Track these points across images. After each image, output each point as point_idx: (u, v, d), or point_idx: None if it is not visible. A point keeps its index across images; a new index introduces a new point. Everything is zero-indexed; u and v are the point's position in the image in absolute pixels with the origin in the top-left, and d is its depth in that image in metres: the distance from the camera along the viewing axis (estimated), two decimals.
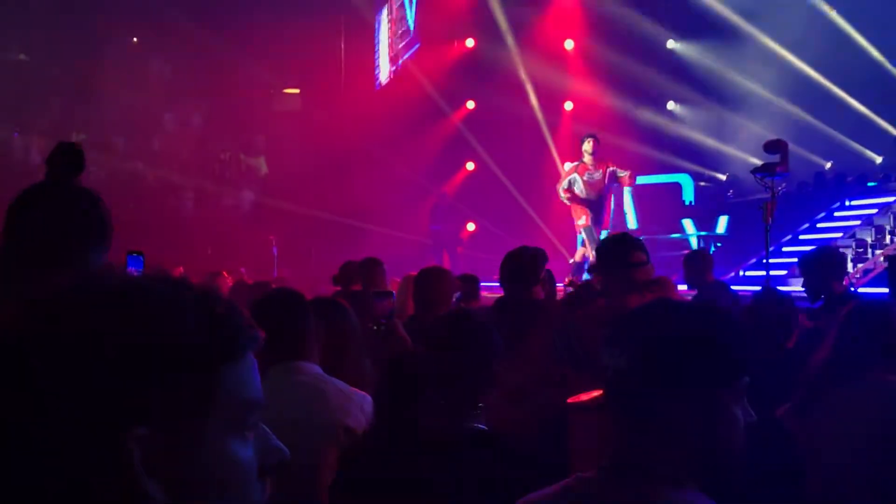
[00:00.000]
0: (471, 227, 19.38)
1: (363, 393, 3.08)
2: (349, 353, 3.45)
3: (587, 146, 12.46)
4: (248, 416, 0.98)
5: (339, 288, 7.36)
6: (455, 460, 2.34)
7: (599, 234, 12.09)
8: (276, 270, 15.56)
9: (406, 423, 2.50)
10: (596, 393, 3.00)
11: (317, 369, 3.12)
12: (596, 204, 12.31)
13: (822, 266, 6.13)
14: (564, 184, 12.50)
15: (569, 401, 3.20)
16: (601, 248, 4.46)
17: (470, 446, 2.42)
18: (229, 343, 0.97)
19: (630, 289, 3.94)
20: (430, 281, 5.14)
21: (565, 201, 12.60)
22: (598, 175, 12.36)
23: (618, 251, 4.10)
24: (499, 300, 4.52)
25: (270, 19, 18.76)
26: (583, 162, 12.51)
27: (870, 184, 15.58)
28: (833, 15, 16.71)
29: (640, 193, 16.12)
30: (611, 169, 12.42)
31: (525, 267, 4.54)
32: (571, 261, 12.76)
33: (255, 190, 20.66)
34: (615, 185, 12.70)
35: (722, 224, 15.55)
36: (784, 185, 15.79)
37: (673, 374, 1.58)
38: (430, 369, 2.53)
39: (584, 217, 12.27)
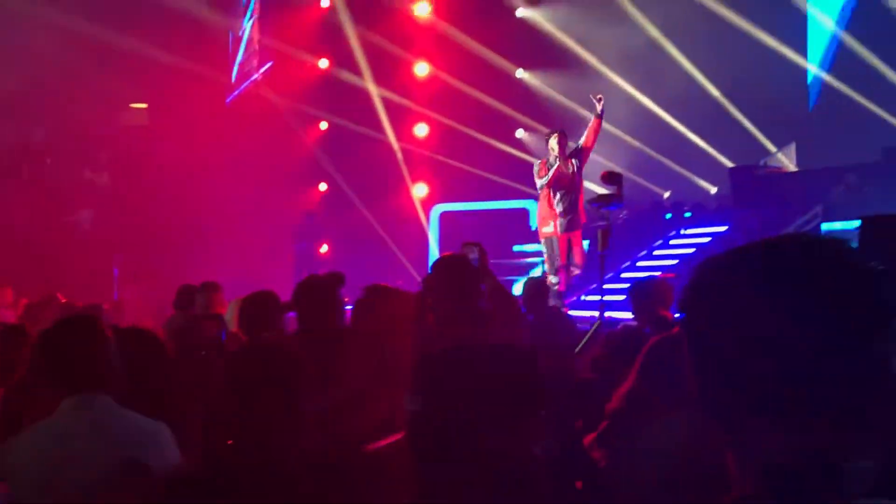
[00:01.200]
0: (324, 248, 19.28)
1: (161, 424, 2.97)
2: (154, 383, 3.34)
3: (553, 142, 11.18)
4: None
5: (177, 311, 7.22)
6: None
7: (569, 240, 10.91)
8: (116, 293, 15.05)
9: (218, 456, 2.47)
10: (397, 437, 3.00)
11: (110, 403, 2.97)
12: (568, 204, 10.96)
13: (649, 294, 6.32)
14: (544, 180, 11.08)
15: (367, 448, 3.19)
16: (438, 264, 4.30)
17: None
18: None
19: (461, 320, 3.90)
20: (254, 305, 5.06)
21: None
22: (568, 171, 11.07)
23: (447, 272, 4.04)
24: (301, 330, 4.41)
25: (118, 31, 18.22)
26: (548, 161, 11.21)
27: (705, 213, 16.30)
28: (673, 51, 17.46)
29: (486, 219, 16.38)
30: (574, 157, 11.16)
31: (326, 296, 4.42)
32: (555, 288, 10.70)
33: (97, 207, 19.97)
34: (581, 162, 11.20)
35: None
36: (624, 213, 16.45)
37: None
38: (224, 408, 2.50)
39: (551, 223, 10.97)
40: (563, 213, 10.90)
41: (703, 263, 1.32)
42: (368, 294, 4.68)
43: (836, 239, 1.29)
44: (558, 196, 10.92)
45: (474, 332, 3.55)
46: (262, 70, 19.54)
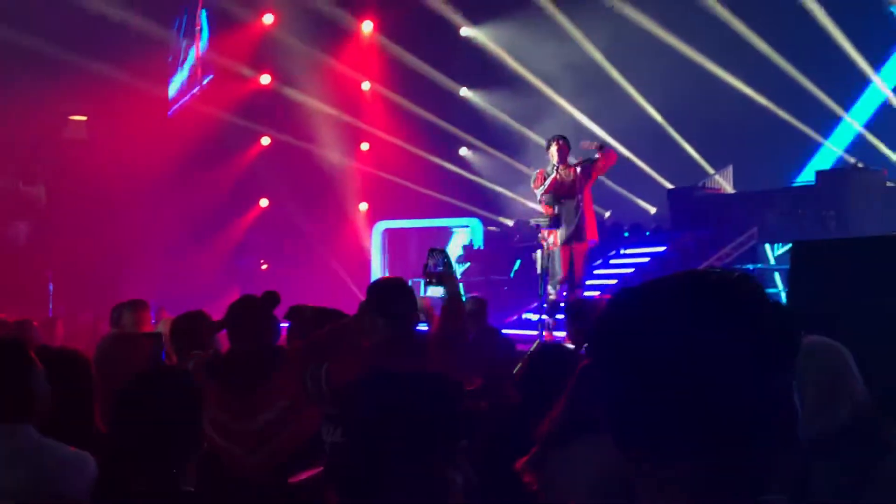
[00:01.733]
0: (264, 265, 19.18)
1: (84, 454, 2.89)
2: (81, 411, 3.26)
3: (552, 150, 10.36)
4: None
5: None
6: None
7: (571, 253, 10.12)
8: (51, 309, 14.77)
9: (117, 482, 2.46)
10: (312, 472, 2.99)
11: (32, 433, 2.86)
12: (568, 215, 10.17)
13: (583, 315, 6.34)
14: (541, 189, 10.31)
15: (290, 480, 3.17)
16: (372, 288, 4.23)
17: None
18: None
19: (394, 346, 3.87)
20: (185, 324, 5.00)
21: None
22: (568, 180, 10.27)
23: (381, 296, 3.99)
24: (228, 352, 4.37)
25: (57, 43, 17.94)
26: (546, 170, 10.42)
27: (646, 233, 16.52)
28: (615, 74, 17.71)
29: (429, 236, 16.40)
30: (578, 165, 10.34)
31: (257, 315, 4.38)
32: (552, 297, 10.20)
33: (33, 220, 19.59)
34: (587, 174, 10.35)
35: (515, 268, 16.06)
36: None
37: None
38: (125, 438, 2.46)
39: (552, 236, 10.10)
40: (564, 224, 10.11)
41: (615, 297, 1.34)
42: (291, 315, 4.66)
43: (746, 275, 1.33)
44: (557, 206, 10.13)
45: (404, 360, 3.54)
46: (204, 83, 19.38)
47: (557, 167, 10.21)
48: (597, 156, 10.33)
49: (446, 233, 18.46)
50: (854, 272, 5.57)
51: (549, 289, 10.05)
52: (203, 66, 19.55)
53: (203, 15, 19.80)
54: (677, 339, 1.24)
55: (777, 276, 13.89)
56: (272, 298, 4.40)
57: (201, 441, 2.59)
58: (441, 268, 4.16)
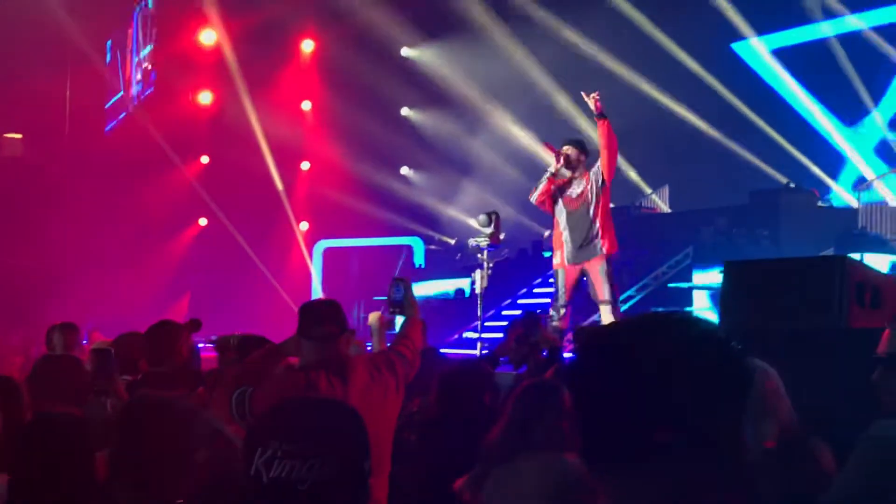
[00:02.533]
0: (199, 284, 19.02)
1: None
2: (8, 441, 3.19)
3: (566, 148, 8.87)
4: None
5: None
6: None
7: (583, 271, 8.81)
8: None
9: None
10: None
11: None
12: (578, 230, 8.83)
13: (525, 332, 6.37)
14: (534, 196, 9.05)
15: None
16: (302, 309, 4.17)
17: None
18: None
19: (311, 362, 3.84)
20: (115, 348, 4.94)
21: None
22: (579, 189, 8.87)
23: (306, 318, 3.95)
24: (144, 375, 4.36)
25: None
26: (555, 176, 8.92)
27: None
28: (553, 92, 17.94)
29: (369, 255, 16.42)
30: (594, 172, 8.78)
31: (163, 343, 4.38)
32: (554, 323, 8.87)
33: None
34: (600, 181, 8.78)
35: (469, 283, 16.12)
36: (506, 251, 16.72)
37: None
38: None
39: (558, 254, 8.98)
40: (573, 241, 8.80)
41: (589, 336, 1.50)
42: (217, 345, 4.67)
43: (703, 320, 1.49)
44: (565, 220, 8.88)
45: (325, 384, 3.55)
46: (143, 96, 19.18)
47: (557, 170, 8.76)
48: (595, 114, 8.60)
49: (390, 251, 18.49)
50: (783, 293, 5.72)
51: (552, 312, 8.92)
52: (141, 82, 19.36)
53: (137, 31, 19.62)
54: (648, 377, 1.39)
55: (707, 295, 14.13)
56: (192, 325, 4.43)
57: (94, 480, 2.63)
58: (401, 297, 4.20)
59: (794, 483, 3.32)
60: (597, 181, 8.66)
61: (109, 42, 20.43)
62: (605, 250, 8.72)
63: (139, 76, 19.49)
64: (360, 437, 1.75)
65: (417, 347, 4.15)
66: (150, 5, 19.39)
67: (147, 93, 19.13)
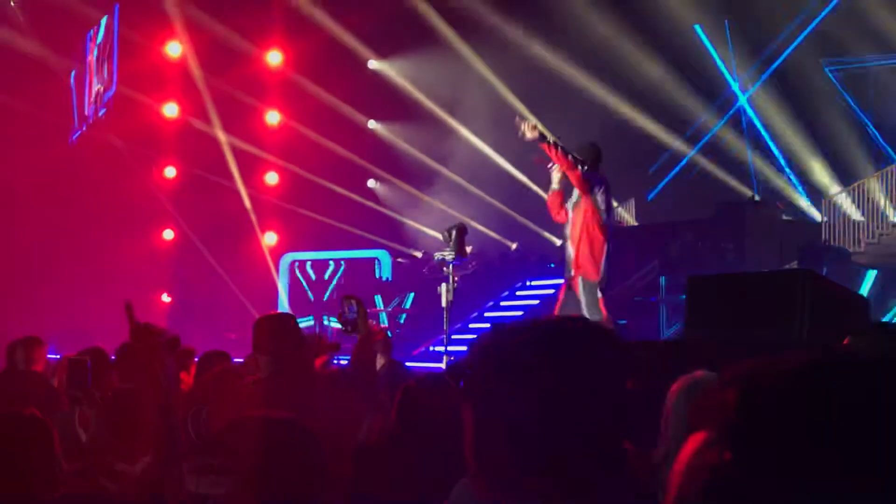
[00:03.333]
0: (166, 298, 18.85)
1: None
2: None
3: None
4: None
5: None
6: None
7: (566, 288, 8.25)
8: None
9: None
10: None
11: None
12: (569, 240, 8.28)
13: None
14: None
15: None
16: (255, 324, 4.10)
17: None
18: None
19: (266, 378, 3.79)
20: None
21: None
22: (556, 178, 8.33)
23: (260, 334, 3.90)
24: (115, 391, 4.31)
25: None
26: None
27: (550, 265, 16.74)
28: (518, 105, 17.99)
29: (336, 268, 16.33)
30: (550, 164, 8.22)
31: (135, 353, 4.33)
32: None
33: None
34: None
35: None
36: (473, 264, 16.70)
37: None
38: None
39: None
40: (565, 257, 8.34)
41: (479, 342, 1.43)
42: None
43: (598, 325, 1.46)
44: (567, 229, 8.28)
45: (280, 401, 3.51)
46: (106, 104, 18.97)
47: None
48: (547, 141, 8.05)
49: (357, 263, 18.43)
50: (746, 306, 5.76)
51: None
52: (105, 93, 19.19)
53: (100, 40, 19.46)
54: (536, 379, 1.33)
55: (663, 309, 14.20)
56: (172, 342, 4.36)
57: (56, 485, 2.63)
58: (354, 315, 4.17)
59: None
60: (579, 197, 8.09)
61: (82, 50, 20.22)
62: (575, 269, 8.07)
63: (103, 89, 19.29)
64: (310, 455, 1.71)
65: (371, 366, 4.11)
66: (101, 30, 19.21)
67: (109, 93, 18.91)
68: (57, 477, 2.71)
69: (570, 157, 7.92)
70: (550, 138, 8.11)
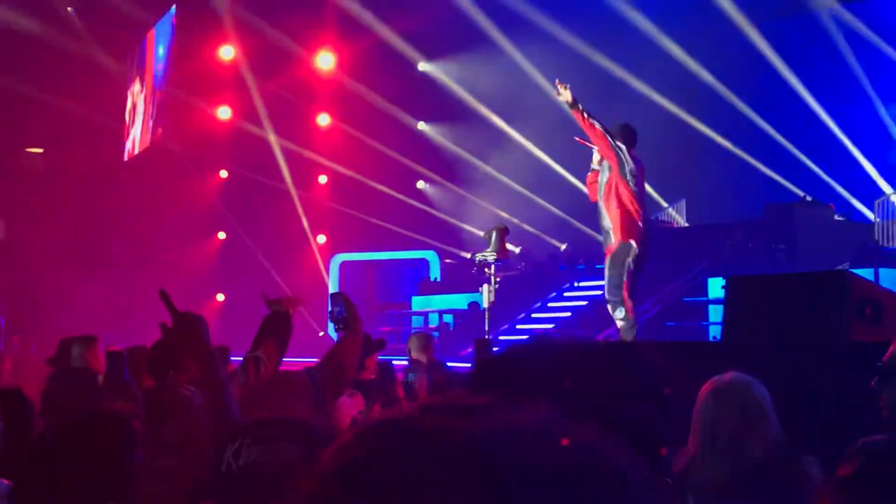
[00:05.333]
0: (220, 297, 19.12)
1: None
2: (21, 455, 3.20)
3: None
4: None
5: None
6: None
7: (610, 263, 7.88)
8: (2, 344, 14.58)
9: None
10: None
11: None
12: (601, 212, 8.17)
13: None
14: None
15: None
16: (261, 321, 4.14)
17: None
18: None
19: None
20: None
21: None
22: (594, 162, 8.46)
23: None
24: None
25: (14, 75, 17.87)
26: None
27: (598, 266, 16.66)
28: (566, 107, 17.91)
29: (386, 268, 16.46)
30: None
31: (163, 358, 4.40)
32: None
33: None
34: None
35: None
36: (522, 265, 16.73)
37: None
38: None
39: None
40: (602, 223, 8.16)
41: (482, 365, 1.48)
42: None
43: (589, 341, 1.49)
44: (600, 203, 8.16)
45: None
46: (160, 118, 19.34)
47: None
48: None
49: (405, 264, 18.56)
50: (785, 307, 5.71)
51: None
52: (162, 100, 19.53)
53: (161, 46, 19.81)
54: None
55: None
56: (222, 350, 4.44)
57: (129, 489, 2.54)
58: (344, 312, 4.16)
59: (779, 500, 3.31)
60: (610, 168, 8.02)
61: (135, 56, 20.60)
62: (619, 237, 7.80)
63: (157, 93, 19.63)
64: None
65: (346, 371, 3.99)
66: (155, 35, 19.54)
67: (151, 99, 19.23)
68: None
69: (598, 125, 8.03)
70: (581, 106, 8.14)
